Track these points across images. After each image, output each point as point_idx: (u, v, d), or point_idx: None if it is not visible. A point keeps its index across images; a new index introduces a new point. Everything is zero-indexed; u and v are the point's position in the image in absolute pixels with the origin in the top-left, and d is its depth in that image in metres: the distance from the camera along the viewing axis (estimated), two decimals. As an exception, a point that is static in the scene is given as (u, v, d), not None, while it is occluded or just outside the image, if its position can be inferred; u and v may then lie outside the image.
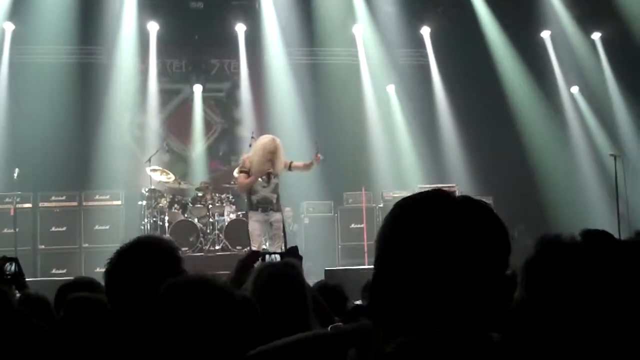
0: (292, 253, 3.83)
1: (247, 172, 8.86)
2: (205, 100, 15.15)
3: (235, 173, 9.76)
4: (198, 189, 12.65)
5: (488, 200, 13.59)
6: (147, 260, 2.73)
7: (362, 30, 15.23)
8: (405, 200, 1.42)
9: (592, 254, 2.25)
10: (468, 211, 1.38)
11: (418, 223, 1.35)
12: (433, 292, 1.30)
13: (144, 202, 12.43)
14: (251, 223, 9.12)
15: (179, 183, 12.80)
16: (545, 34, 15.59)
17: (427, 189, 1.44)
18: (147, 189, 12.46)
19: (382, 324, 1.35)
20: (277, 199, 9.11)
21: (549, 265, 2.23)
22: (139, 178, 13.41)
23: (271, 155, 8.78)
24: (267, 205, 8.97)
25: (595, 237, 3.92)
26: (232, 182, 12.91)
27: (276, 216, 9.09)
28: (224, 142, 15.40)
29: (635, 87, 14.55)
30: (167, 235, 11.96)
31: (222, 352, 2.19)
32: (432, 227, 1.33)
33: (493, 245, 1.35)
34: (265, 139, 9.07)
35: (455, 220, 1.34)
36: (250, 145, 13.10)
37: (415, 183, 13.43)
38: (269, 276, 3.25)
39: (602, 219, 12.13)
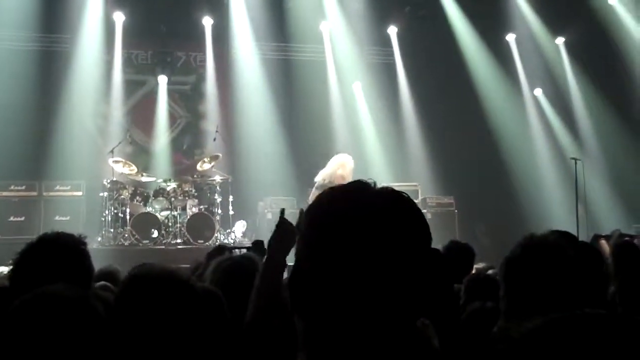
0: (257, 247, 3.81)
1: None
2: (170, 92, 15.00)
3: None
4: (170, 181, 12.52)
5: (450, 200, 13.76)
6: (49, 256, 2.71)
7: (330, 27, 15.26)
8: (324, 194, 1.39)
9: (574, 255, 2.29)
10: (387, 204, 1.35)
11: (335, 216, 1.33)
12: (353, 284, 1.27)
13: (106, 194, 12.29)
14: None
15: (142, 175, 12.69)
16: (511, 37, 15.76)
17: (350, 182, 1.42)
18: (108, 181, 12.32)
19: (304, 318, 1.33)
20: None
21: (531, 264, 2.26)
22: (100, 169, 13.25)
23: None
24: None
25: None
26: (194, 176, 12.85)
27: None
28: (188, 135, 15.29)
29: (597, 92, 14.76)
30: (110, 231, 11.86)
31: (184, 343, 2.18)
32: (350, 221, 1.31)
33: (412, 237, 1.33)
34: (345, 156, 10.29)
35: (372, 214, 1.32)
36: (214, 139, 13.15)
37: (379, 181, 13.37)
38: (226, 269, 3.26)
39: (562, 220, 12.28)
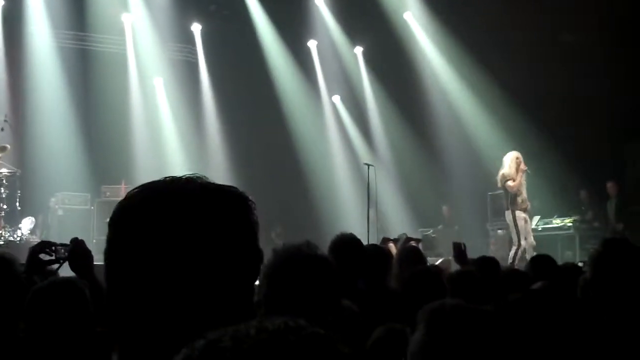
0: (76, 245, 3.57)
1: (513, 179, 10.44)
2: (-48, 76, 13.93)
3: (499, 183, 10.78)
4: None
5: (248, 200, 13.88)
6: None
7: (132, 20, 14.87)
8: (134, 192, 1.20)
9: (322, 256, 2.41)
10: (206, 201, 1.18)
11: (145, 216, 1.15)
12: (168, 295, 1.11)
13: None
14: (519, 220, 10.37)
15: None
16: (312, 43, 16.18)
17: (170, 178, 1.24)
18: None
19: (119, 333, 1.17)
20: None
21: (287, 271, 2.35)
22: None
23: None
24: (526, 205, 10.52)
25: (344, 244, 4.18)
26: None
27: None
28: (-28, 124, 14.23)
29: (390, 101, 15.52)
30: None
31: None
32: (162, 220, 1.14)
33: (235, 238, 1.20)
34: (514, 153, 10.61)
35: (189, 212, 1.15)
36: (2, 129, 12.31)
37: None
38: None
39: (355, 223, 12.76)
